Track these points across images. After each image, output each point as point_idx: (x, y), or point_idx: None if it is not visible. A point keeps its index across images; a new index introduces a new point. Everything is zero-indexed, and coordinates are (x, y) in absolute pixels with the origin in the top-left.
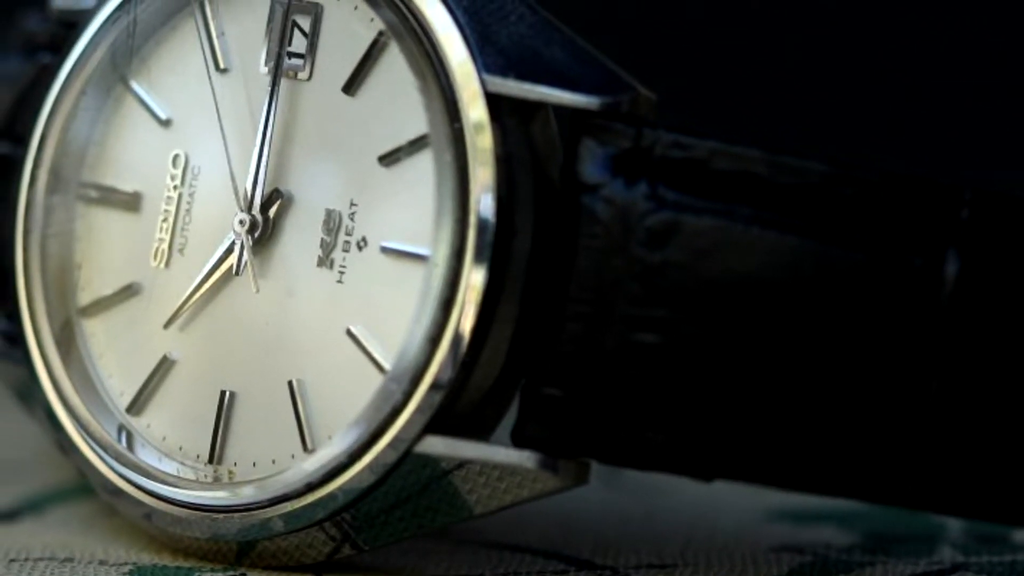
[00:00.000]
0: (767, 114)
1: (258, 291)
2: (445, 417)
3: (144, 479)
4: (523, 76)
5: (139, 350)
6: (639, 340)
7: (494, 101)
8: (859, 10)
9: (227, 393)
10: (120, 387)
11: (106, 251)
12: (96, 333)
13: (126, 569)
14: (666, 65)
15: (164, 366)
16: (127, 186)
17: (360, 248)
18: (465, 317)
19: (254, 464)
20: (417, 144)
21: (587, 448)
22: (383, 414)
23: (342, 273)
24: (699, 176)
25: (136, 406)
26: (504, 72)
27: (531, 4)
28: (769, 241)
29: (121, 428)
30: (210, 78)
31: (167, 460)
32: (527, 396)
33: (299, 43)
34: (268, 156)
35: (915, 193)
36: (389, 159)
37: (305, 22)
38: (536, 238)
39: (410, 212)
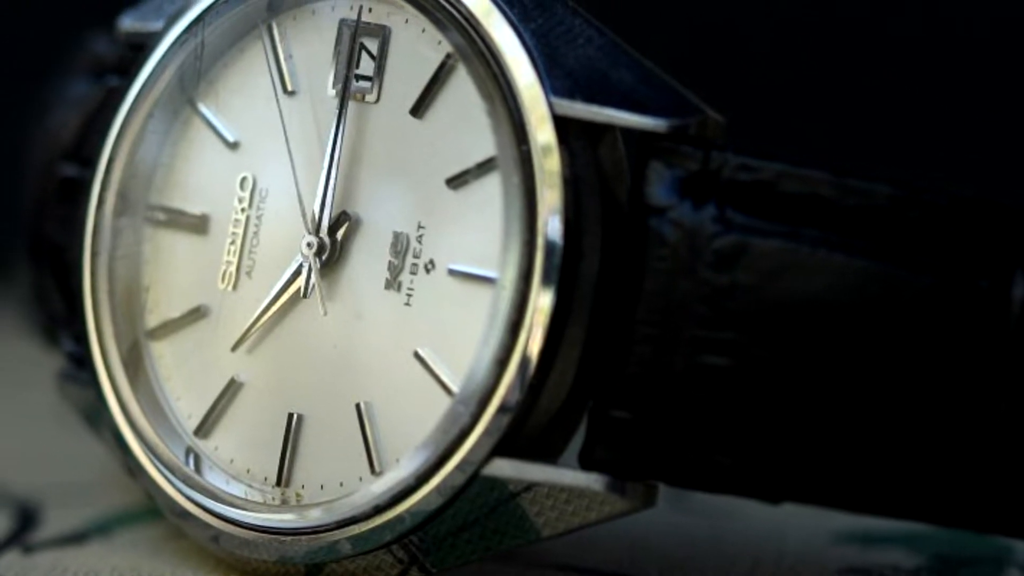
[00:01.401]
0: (834, 136)
1: (326, 314)
2: (513, 439)
3: (212, 501)
4: (591, 98)
5: (207, 372)
6: (707, 362)
7: (562, 123)
8: (925, 35)
9: (295, 415)
10: (188, 409)
11: (174, 273)
12: (164, 355)
13: None
14: (734, 87)
15: (232, 388)
16: (195, 208)
17: (428, 271)
18: (533, 340)
19: (322, 486)
20: (485, 167)
21: (655, 470)
22: (451, 436)
23: (410, 296)
24: (766, 198)
25: (204, 428)
26: (572, 94)
27: (599, 26)
28: (836, 263)
29: (189, 450)
30: (278, 100)
31: (235, 482)
32: (595, 418)
33: (367, 65)
34: (336, 178)
35: (982, 216)
36: (457, 181)
37: (373, 44)
38: (604, 260)
39: (478, 234)
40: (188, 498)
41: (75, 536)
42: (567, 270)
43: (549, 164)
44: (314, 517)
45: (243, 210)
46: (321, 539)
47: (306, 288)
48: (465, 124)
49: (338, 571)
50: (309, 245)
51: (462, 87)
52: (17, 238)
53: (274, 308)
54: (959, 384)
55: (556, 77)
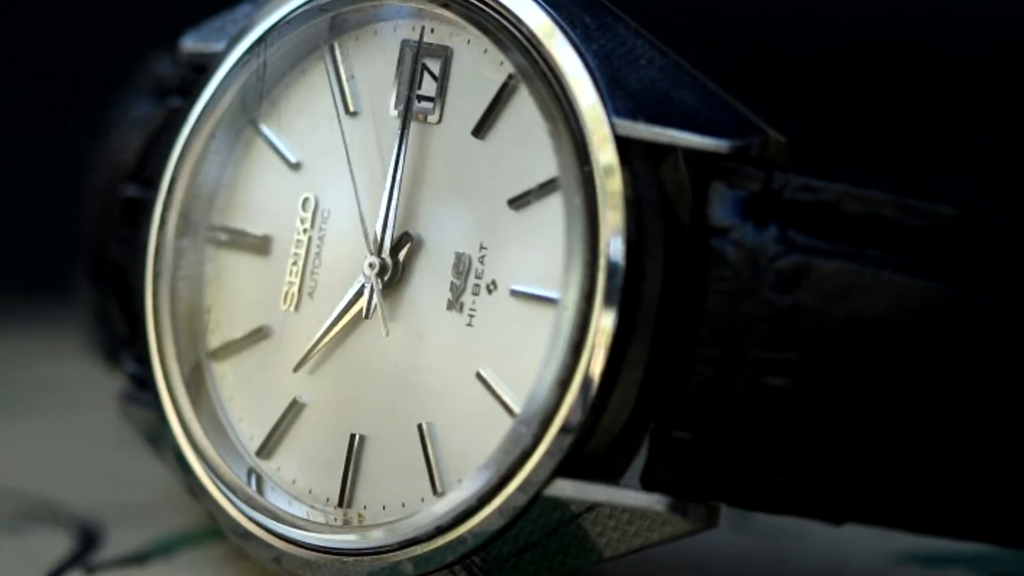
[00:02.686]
0: (895, 156)
1: (388, 334)
2: (575, 460)
3: (274, 522)
4: (653, 119)
5: (269, 393)
6: (769, 383)
7: (624, 144)
8: (986, 52)
9: (357, 436)
10: (250, 430)
11: (236, 294)
12: (226, 376)
13: None
14: (795, 107)
15: (294, 409)
16: (257, 229)
17: (490, 291)
18: (595, 360)
19: (384, 507)
20: (547, 187)
21: (717, 491)
22: (513, 457)
23: (472, 316)
24: (828, 219)
25: (266, 449)
26: (634, 115)
27: (661, 47)
28: (899, 284)
29: (251, 471)
30: (340, 121)
31: (297, 503)
32: (657, 439)
33: (429, 86)
34: (398, 199)
35: None
36: (519, 202)
37: (435, 65)
38: (666, 281)
39: (540, 255)
40: (250, 519)
41: (137, 557)
42: (629, 291)
43: (611, 185)
44: (376, 538)
45: (305, 231)
46: (383, 560)
47: (368, 309)
48: (527, 145)
49: None
50: (371, 266)
51: (524, 108)
52: (80, 259)
53: (336, 329)
54: (1022, 405)
55: (618, 98)
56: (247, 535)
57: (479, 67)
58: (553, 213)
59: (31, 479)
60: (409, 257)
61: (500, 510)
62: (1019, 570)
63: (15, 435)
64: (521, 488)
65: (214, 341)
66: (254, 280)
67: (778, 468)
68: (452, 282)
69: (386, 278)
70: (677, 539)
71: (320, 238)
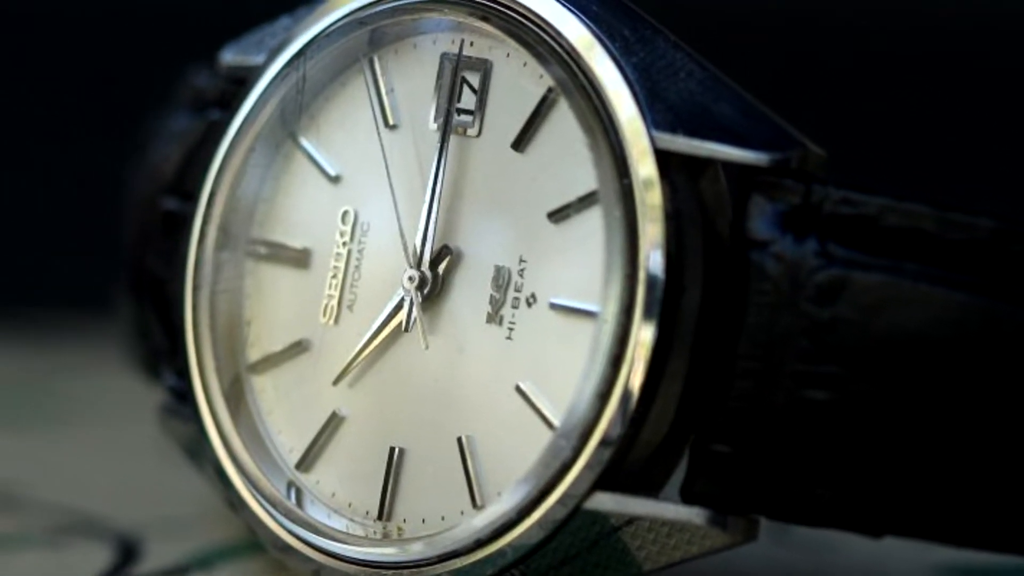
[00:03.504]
0: (935, 170)
1: (427, 347)
2: (614, 473)
3: (313, 535)
4: (692, 132)
5: (308, 406)
6: (808, 396)
7: (663, 157)
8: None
9: (396, 449)
10: (289, 443)
11: (275, 307)
12: (265, 389)
13: None
14: (833, 120)
15: (333, 422)
16: (296, 242)
17: (529, 304)
18: (634, 373)
19: (423, 520)
20: (586, 200)
21: (756, 504)
22: (552, 470)
23: (511, 329)
24: (868, 232)
25: (305, 462)
26: (673, 128)
27: (701, 60)
28: (937, 297)
29: (290, 484)
30: (379, 134)
31: (336, 516)
32: (696, 452)
33: (468, 99)
34: (437, 212)
35: None
36: (558, 215)
37: (474, 78)
38: (705, 294)
39: (579, 268)
40: (290, 532)
41: (176, 570)
42: (669, 304)
43: (651, 198)
44: (416, 551)
45: (344, 244)
46: (423, 573)
47: (407, 322)
48: (567, 158)
49: None
50: (411, 279)
51: (564, 121)
52: (120, 272)
53: (376, 342)
54: None
55: (658, 111)
56: (287, 548)
57: (519, 80)
58: (593, 226)
59: (71, 492)
60: (449, 270)
61: (539, 523)
62: None
63: (55, 448)
64: (560, 501)
65: (254, 354)
66: (293, 293)
67: (817, 481)
68: (492, 295)
69: (425, 291)
70: (716, 552)
71: (359, 251)
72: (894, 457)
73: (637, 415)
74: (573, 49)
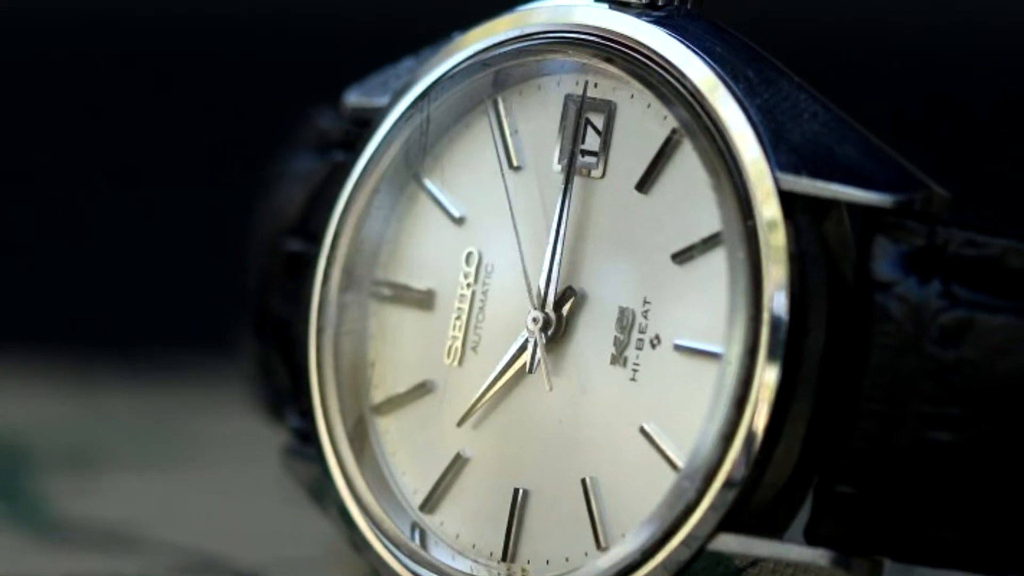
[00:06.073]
0: None
1: (551, 389)
2: (739, 515)
3: None
4: (816, 174)
5: (432, 448)
6: (932, 438)
7: (787, 199)
8: None
9: (520, 491)
10: (413, 484)
11: (399, 349)
12: (389, 431)
13: None
14: (958, 162)
15: (457, 464)
16: (420, 284)
17: (653, 346)
18: (758, 415)
19: (547, 562)
20: (710, 242)
21: (880, 546)
22: (676, 512)
23: (635, 371)
24: (993, 274)
25: (430, 504)
26: (797, 170)
27: (825, 101)
28: None
29: (414, 526)
30: (503, 176)
31: (460, 558)
32: (820, 494)
33: (592, 141)
34: (561, 254)
35: None
36: (682, 257)
37: (598, 120)
38: (829, 335)
39: (703, 310)
40: (414, 573)
41: None
42: (793, 345)
43: (775, 239)
44: None
45: (469, 285)
46: None
47: (531, 363)
48: (691, 199)
49: None
50: (535, 320)
51: (688, 162)
52: (243, 313)
53: (500, 383)
54: None
55: (782, 152)
56: None
57: (642, 122)
58: (717, 268)
59: (193, 533)
60: (573, 312)
61: (664, 565)
62: None
63: (178, 489)
64: (685, 543)
65: (377, 395)
66: (418, 335)
67: (942, 522)
68: (616, 337)
69: (549, 333)
70: None
71: (484, 292)
72: (1018, 499)
73: (761, 457)
74: (697, 90)
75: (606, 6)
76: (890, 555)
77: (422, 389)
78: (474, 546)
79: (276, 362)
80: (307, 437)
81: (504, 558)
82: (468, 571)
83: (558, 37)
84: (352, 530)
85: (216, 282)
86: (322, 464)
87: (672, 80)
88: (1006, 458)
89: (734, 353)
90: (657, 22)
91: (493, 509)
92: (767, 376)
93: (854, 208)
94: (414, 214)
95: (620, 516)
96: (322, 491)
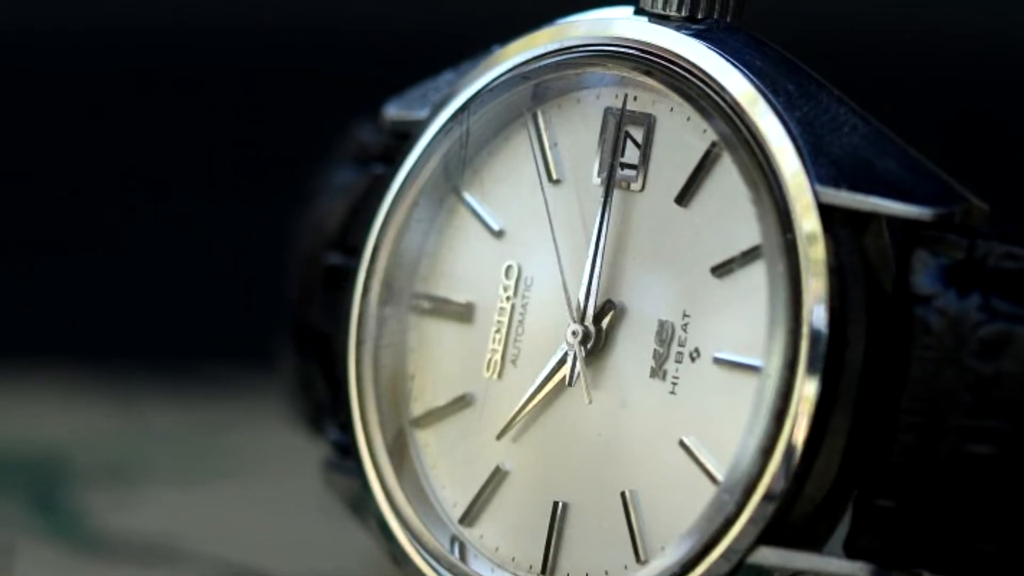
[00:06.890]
0: None
1: (591, 402)
2: (778, 528)
3: None
4: (856, 187)
5: (472, 461)
6: (972, 451)
7: (827, 212)
8: None
9: (559, 504)
10: (453, 498)
11: (439, 362)
12: (429, 444)
13: None
14: (997, 175)
15: (497, 477)
16: (460, 297)
17: (693, 359)
18: (798, 428)
19: (587, 574)
20: (750, 255)
21: (920, 559)
22: (716, 525)
23: (675, 384)
24: None
25: (469, 517)
26: (837, 183)
27: (864, 115)
28: None
29: (454, 539)
30: (543, 189)
31: (499, 571)
32: (860, 507)
33: (632, 154)
34: (601, 267)
35: None
36: (722, 270)
37: (638, 133)
38: (868, 349)
39: (743, 323)
40: None
41: None
42: (832, 359)
43: (815, 253)
44: None
45: (508, 298)
46: None
47: (571, 377)
48: (730, 212)
49: None
50: (574, 334)
51: (727, 175)
52: (282, 326)
53: (539, 396)
54: None
55: (821, 165)
56: None
57: (682, 135)
58: (756, 281)
59: (233, 546)
60: (612, 325)
61: None
62: None
63: (218, 502)
64: (724, 556)
65: (417, 409)
66: (457, 348)
67: (981, 536)
68: (655, 350)
69: (589, 346)
70: None
71: (523, 306)
72: None
73: (800, 470)
74: (736, 103)
75: (645, 19)
76: (930, 568)
77: (461, 402)
78: (513, 559)
79: (316, 375)
80: (347, 450)
81: (544, 571)
82: None
83: (597, 50)
84: (392, 543)
85: (256, 295)
86: (362, 477)
87: (712, 93)
88: None
89: (774, 366)
90: (697, 35)
91: (532, 522)
92: (807, 389)
93: (894, 221)
94: (453, 227)
95: (659, 529)
96: (362, 504)
